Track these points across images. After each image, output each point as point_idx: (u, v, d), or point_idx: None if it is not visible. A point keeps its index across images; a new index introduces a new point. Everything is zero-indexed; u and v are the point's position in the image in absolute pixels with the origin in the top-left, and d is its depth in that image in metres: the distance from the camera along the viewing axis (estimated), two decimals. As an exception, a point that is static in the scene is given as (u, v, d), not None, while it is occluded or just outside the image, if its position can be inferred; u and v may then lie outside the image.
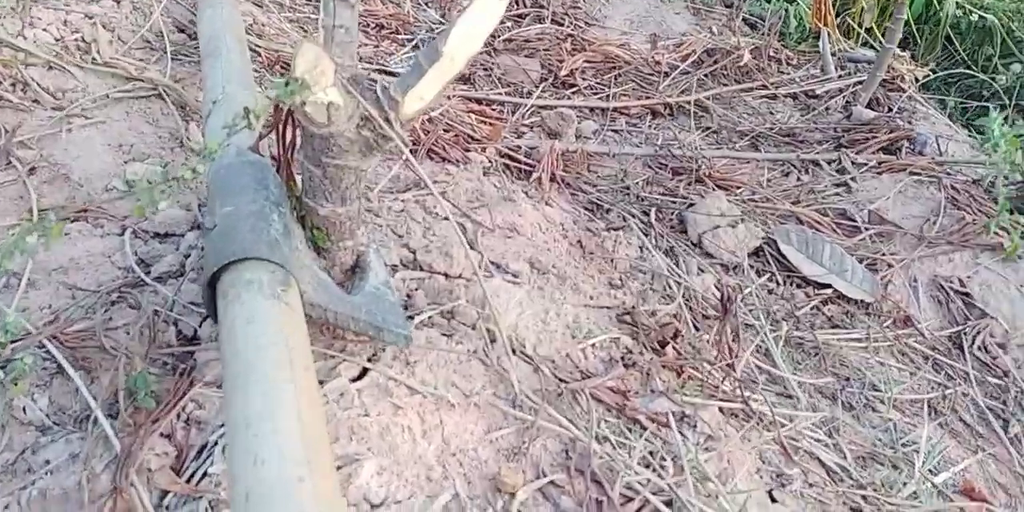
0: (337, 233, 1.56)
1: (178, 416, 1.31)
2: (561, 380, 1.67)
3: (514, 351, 1.69)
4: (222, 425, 1.32)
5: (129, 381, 1.28)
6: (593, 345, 1.80)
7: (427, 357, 1.57)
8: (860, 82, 3.64)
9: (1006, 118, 3.72)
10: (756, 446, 1.78)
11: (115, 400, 1.30)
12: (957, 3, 3.78)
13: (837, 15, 4.18)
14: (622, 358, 1.82)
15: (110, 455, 1.21)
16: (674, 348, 1.89)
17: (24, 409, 1.28)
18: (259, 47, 2.67)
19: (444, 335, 1.66)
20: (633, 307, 1.96)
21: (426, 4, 3.70)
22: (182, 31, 2.53)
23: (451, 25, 1.36)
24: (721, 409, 1.81)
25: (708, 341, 2.05)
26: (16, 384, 1.23)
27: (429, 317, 1.68)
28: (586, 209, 2.69)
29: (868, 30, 4.30)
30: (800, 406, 2.05)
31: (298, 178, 1.63)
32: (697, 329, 2.16)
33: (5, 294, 1.49)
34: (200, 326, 1.51)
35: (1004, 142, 2.80)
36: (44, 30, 2.10)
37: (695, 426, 1.73)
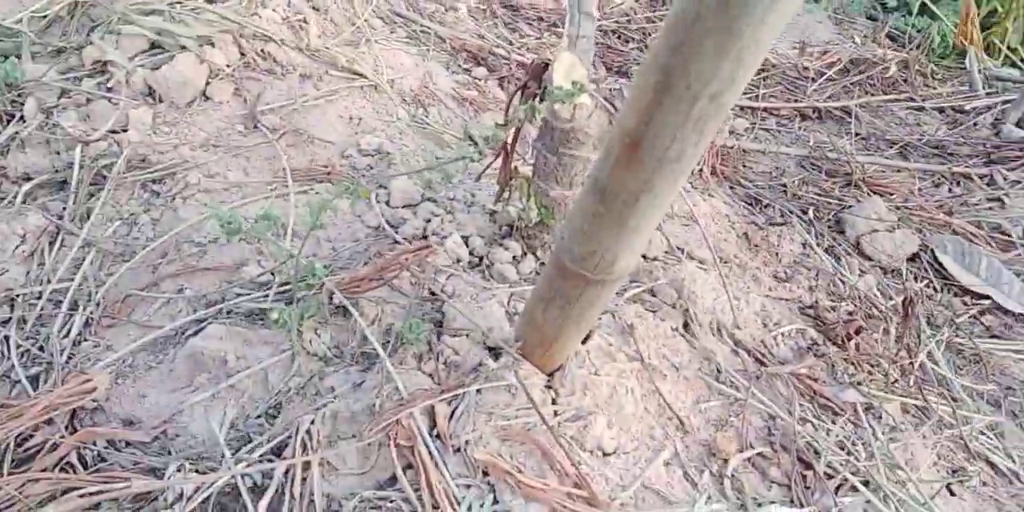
0: (561, 212, 1.67)
1: (438, 358, 1.43)
2: (759, 363, 1.75)
3: (712, 332, 1.78)
4: (473, 370, 1.45)
5: (404, 326, 1.40)
6: (783, 334, 1.88)
7: (639, 328, 1.67)
8: (1008, 101, 3.61)
9: None
10: (936, 442, 1.83)
11: (387, 341, 1.43)
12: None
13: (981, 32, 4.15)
14: (809, 348, 1.89)
15: (391, 387, 1.33)
16: (855, 344, 1.95)
17: (311, 342, 1.42)
18: (442, 37, 2.81)
19: (649, 311, 1.76)
20: (816, 302, 2.03)
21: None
22: (379, 18, 2.68)
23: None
24: (902, 404, 1.87)
25: (878, 340, 2.11)
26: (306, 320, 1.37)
27: (635, 294, 1.78)
28: (746, 203, 2.75)
29: (1013, 49, 4.25)
30: (967, 408, 2.09)
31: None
32: (866, 328, 2.21)
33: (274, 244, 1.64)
34: (446, 282, 1.63)
35: None
36: (273, 10, 2.26)
37: (880, 417, 1.80)
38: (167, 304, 1.53)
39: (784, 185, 2.89)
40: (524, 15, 3.43)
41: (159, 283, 1.58)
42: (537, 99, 1.57)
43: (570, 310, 1.25)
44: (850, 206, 2.81)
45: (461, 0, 3.12)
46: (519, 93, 1.61)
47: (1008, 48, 4.30)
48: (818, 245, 2.58)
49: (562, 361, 1.48)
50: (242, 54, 2.13)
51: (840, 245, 2.65)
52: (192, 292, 1.55)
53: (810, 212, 2.75)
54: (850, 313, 2.11)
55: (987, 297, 2.60)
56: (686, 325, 1.78)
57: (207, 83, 2.04)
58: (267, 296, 1.51)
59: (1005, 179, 3.16)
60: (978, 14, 4.03)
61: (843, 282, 2.40)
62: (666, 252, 2.05)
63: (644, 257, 1.96)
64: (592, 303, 1.23)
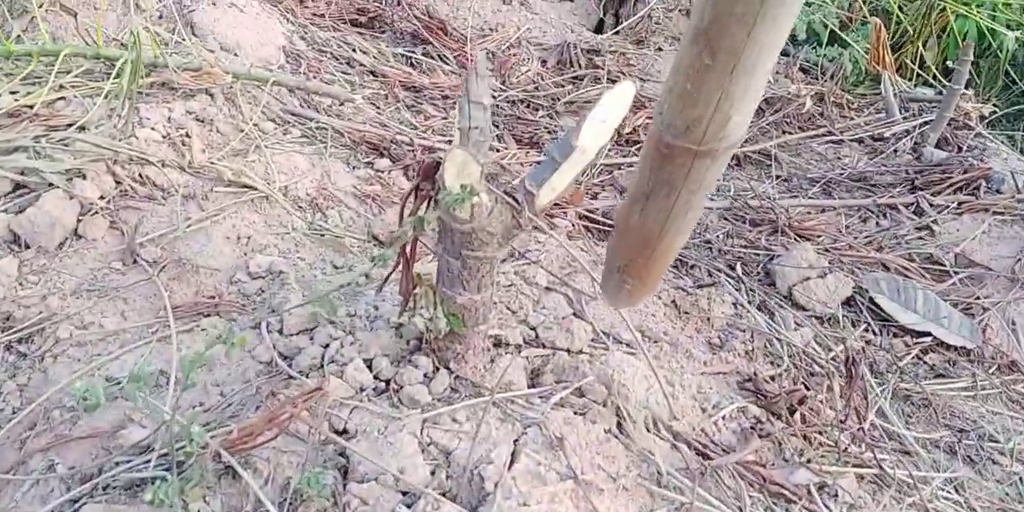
0: (472, 318, 1.56)
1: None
2: (702, 456, 1.64)
3: (648, 428, 1.67)
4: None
5: (302, 481, 1.27)
6: (724, 417, 1.78)
7: (569, 438, 1.55)
8: (926, 123, 3.62)
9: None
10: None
11: (284, 498, 1.30)
12: (1016, 38, 3.77)
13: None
14: (753, 428, 1.79)
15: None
16: (800, 415, 1.86)
17: (197, 515, 1.28)
18: (340, 131, 2.71)
19: (578, 414, 1.65)
20: (755, 373, 1.93)
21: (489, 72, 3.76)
22: (270, 120, 2.58)
23: (582, 120, 1.38)
24: (857, 475, 1.77)
25: (823, 400, 2.02)
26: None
27: (561, 398, 1.67)
28: (671, 266, 2.67)
29: (923, 67, 4.30)
30: (922, 463, 2.00)
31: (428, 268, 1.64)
32: (808, 387, 2.12)
33: (156, 394, 1.50)
34: (349, 416, 1.50)
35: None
36: (152, 129, 2.14)
37: (836, 495, 1.69)
38: (36, 485, 1.38)
39: (709, 241, 2.82)
40: (427, 95, 3.36)
41: (27, 461, 1.43)
42: (431, 201, 1.47)
43: (675, 198, 1.21)
44: (778, 255, 2.75)
45: (356, 91, 3.04)
46: (412, 196, 1.51)
47: (920, 67, 4.35)
48: (750, 303, 2.50)
49: (666, 266, 1.46)
50: (117, 182, 2.01)
51: (772, 298, 2.58)
52: (64, 468, 1.40)
53: (738, 267, 2.68)
54: (792, 382, 2.02)
55: (928, 334, 2.54)
56: (619, 425, 1.67)
57: (79, 220, 1.91)
58: (148, 462, 1.37)
59: (931, 205, 3.14)
60: (888, 37, 4.06)
61: (779, 340, 2.32)
62: (592, 340, 1.95)
63: (568, 351, 1.85)
64: (700, 184, 1.16)
